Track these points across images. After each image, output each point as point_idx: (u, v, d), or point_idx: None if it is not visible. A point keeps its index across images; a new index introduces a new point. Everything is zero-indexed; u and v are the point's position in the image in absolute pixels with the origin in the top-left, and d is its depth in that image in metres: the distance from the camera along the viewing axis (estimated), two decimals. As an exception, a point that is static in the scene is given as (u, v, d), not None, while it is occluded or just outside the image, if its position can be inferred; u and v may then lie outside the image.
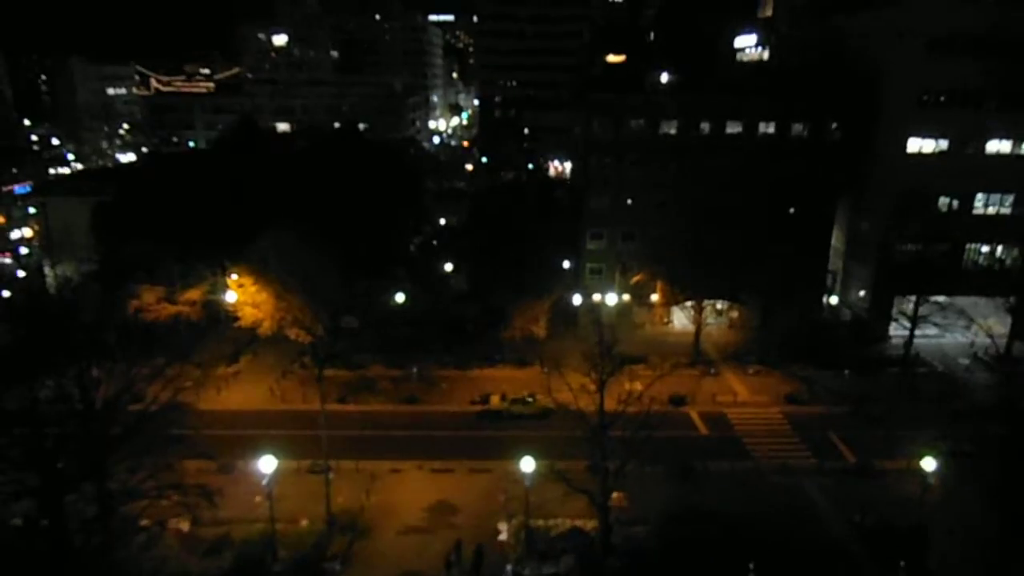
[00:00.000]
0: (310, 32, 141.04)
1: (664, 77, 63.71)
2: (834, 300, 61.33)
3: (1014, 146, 55.58)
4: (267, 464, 31.47)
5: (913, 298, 53.28)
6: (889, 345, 57.60)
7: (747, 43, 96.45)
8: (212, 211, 54.52)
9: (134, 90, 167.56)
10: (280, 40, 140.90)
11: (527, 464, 32.41)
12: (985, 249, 58.57)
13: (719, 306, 61.76)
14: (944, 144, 55.74)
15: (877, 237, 57.98)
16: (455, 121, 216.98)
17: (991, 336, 49.16)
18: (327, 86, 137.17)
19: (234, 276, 50.94)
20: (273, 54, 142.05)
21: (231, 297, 51.71)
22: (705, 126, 57.64)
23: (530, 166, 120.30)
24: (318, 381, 35.83)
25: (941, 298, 55.29)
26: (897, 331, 56.13)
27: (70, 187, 64.90)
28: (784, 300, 55.69)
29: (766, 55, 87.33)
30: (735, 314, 61.46)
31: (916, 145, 56.05)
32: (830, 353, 54.60)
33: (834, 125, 57.29)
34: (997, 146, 55.55)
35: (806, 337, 55.71)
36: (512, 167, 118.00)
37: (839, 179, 59.04)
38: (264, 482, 31.71)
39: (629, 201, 59.21)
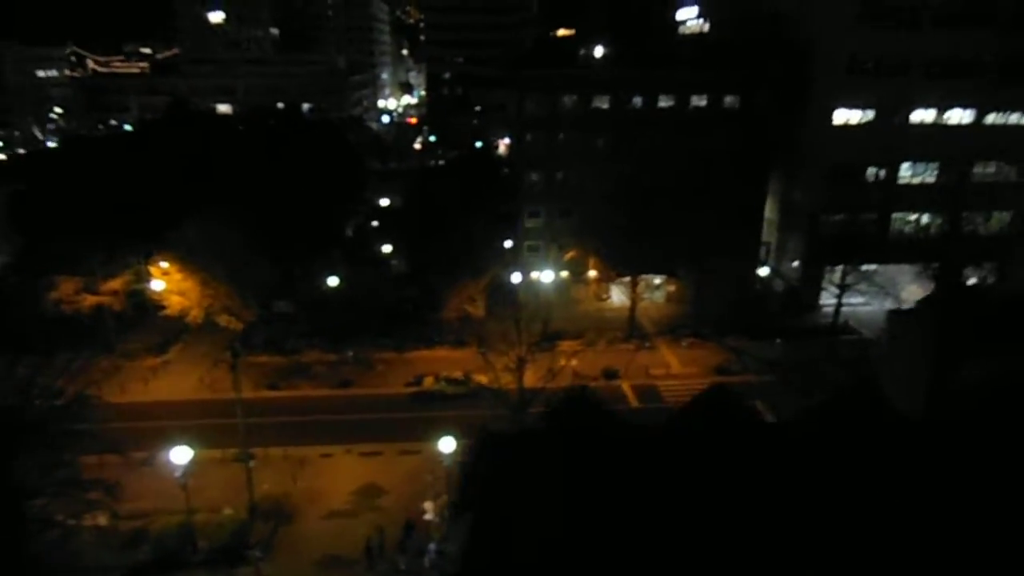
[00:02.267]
0: (248, 9, 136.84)
1: (599, 51, 63.31)
2: (765, 271, 62.23)
3: (938, 115, 56.79)
4: (181, 455, 30.81)
5: (845, 267, 54.67)
6: (820, 314, 58.82)
7: (688, 15, 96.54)
8: (137, 197, 52.82)
9: (67, 72, 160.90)
10: (217, 17, 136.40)
11: (447, 444, 32.36)
12: (912, 218, 60.01)
13: (656, 281, 62.27)
14: (871, 114, 56.65)
15: (808, 208, 58.91)
16: (406, 99, 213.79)
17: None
18: (267, 65, 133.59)
19: (158, 264, 49.59)
20: (211, 32, 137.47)
21: (157, 286, 50.36)
22: (638, 100, 57.59)
23: (479, 144, 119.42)
24: (232, 369, 34.92)
25: (873, 266, 56.84)
26: (829, 300, 57.33)
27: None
28: (718, 272, 56.39)
29: (707, 27, 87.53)
30: (672, 288, 62.06)
31: (844, 116, 56.87)
32: (762, 323, 55.69)
33: (765, 97, 57.67)
34: (922, 115, 56.68)
35: (739, 308, 56.64)
36: (459, 145, 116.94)
37: (771, 151, 59.65)
38: (178, 473, 31.05)
39: (565, 178, 59.10)
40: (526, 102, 57.15)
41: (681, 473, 17.26)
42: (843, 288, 54.25)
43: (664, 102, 57.89)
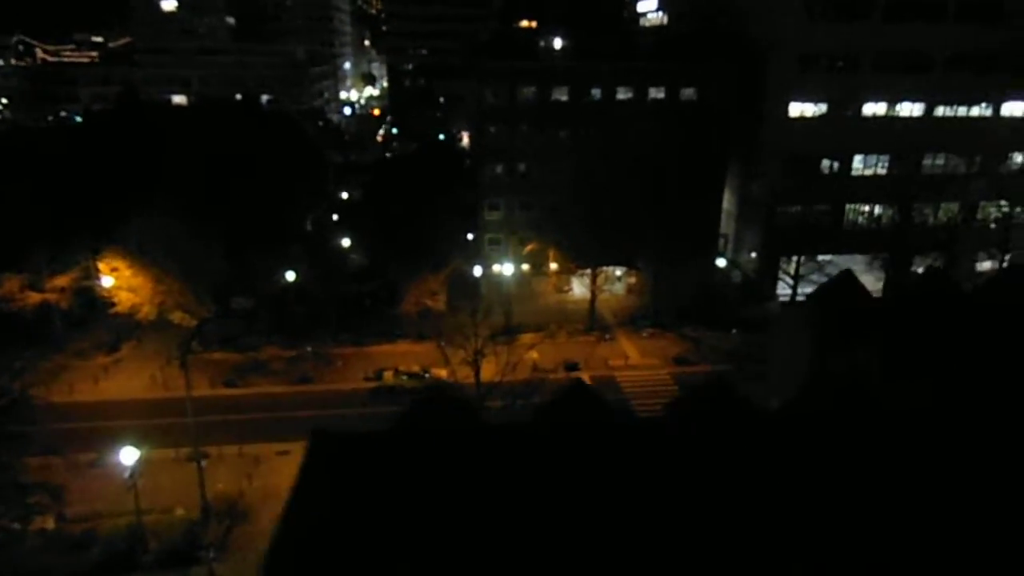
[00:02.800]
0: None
1: (558, 43, 63.14)
2: (722, 262, 63.04)
3: (889, 108, 58.00)
4: (128, 455, 30.05)
5: (802, 257, 55.73)
6: (776, 304, 59.73)
7: (648, 8, 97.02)
8: (84, 191, 51.24)
9: (12, 61, 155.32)
10: (169, 5, 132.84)
11: (405, 440, 32.06)
12: (865, 209, 61.28)
13: (617, 273, 62.62)
14: (824, 107, 57.62)
15: (764, 199, 59.74)
16: (368, 91, 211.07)
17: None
18: (223, 55, 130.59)
19: (107, 260, 48.22)
20: (164, 21, 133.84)
21: (107, 283, 48.99)
22: (596, 92, 57.66)
23: (441, 136, 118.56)
24: (182, 367, 34.04)
25: (828, 257, 57.94)
26: (785, 291, 58.31)
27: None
28: (677, 264, 56.89)
29: (667, 20, 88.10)
30: (632, 280, 62.48)
31: (798, 109, 57.74)
32: (720, 314, 56.43)
33: (721, 90, 58.21)
34: (873, 108, 57.82)
35: (698, 299, 57.30)
36: (422, 137, 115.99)
37: (728, 143, 60.30)
38: (126, 474, 30.29)
39: (525, 170, 58.97)
40: (484, 93, 56.81)
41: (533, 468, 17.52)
42: (798, 278, 55.24)
43: (623, 94, 58.05)
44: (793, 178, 57.59)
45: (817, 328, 24.70)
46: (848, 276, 29.11)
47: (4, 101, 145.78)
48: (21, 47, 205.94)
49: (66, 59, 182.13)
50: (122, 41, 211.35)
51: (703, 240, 61.19)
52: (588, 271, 56.73)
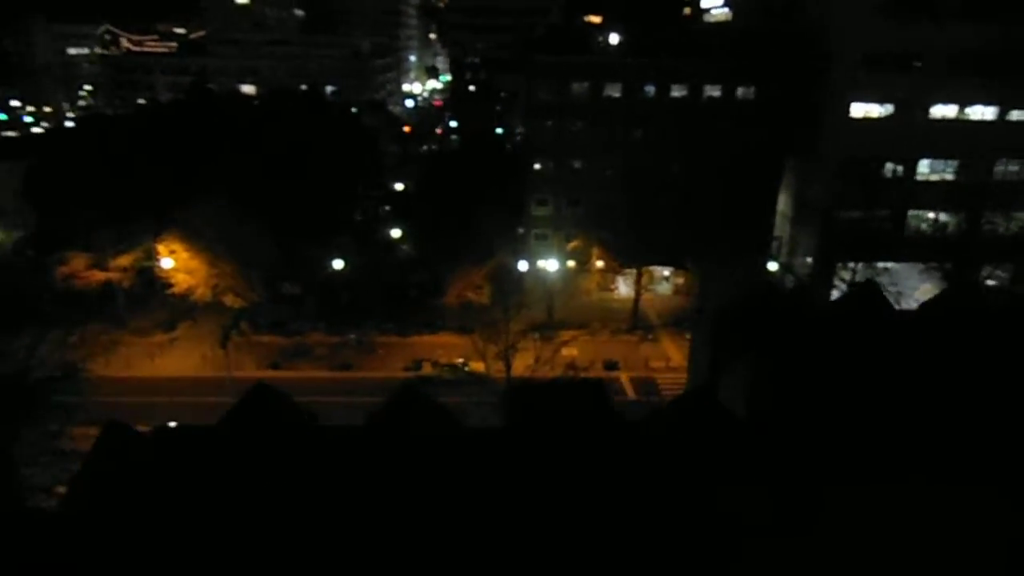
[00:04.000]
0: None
1: (614, 38, 62.47)
2: (774, 266, 61.29)
3: (959, 111, 55.21)
4: (170, 431, 31.30)
5: (856, 265, 53.76)
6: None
7: (713, 3, 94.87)
8: (149, 175, 53.55)
9: (97, 50, 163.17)
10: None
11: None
12: (929, 216, 58.55)
13: (664, 272, 61.75)
14: (889, 108, 55.27)
15: (822, 203, 57.78)
16: (432, 84, 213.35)
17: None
18: (291, 46, 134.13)
19: (167, 242, 50.32)
20: (237, 13, 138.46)
21: (166, 264, 51.15)
22: (650, 89, 56.84)
23: (499, 130, 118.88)
24: (222, 347, 35.48)
25: (889, 264, 55.79)
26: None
27: (2, 151, 63.40)
28: (727, 266, 55.64)
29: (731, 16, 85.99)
30: (680, 280, 61.47)
31: (861, 109, 55.53)
32: (771, 317, 54.83)
33: (780, 88, 56.58)
34: (942, 111, 55.14)
35: (746, 303, 55.80)
36: (479, 131, 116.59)
37: (786, 143, 58.60)
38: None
39: (574, 166, 58.70)
40: (536, 88, 56.72)
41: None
42: (853, 286, 53.19)
43: (677, 91, 57.07)
44: (853, 181, 55.42)
45: (710, 341, 23.92)
46: (765, 287, 27.91)
47: (89, 88, 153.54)
48: (108, 36, 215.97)
49: (147, 49, 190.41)
50: (200, 33, 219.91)
51: (755, 242, 59.66)
52: (633, 270, 56.15)
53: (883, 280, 51.86)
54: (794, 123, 57.69)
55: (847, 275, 54.92)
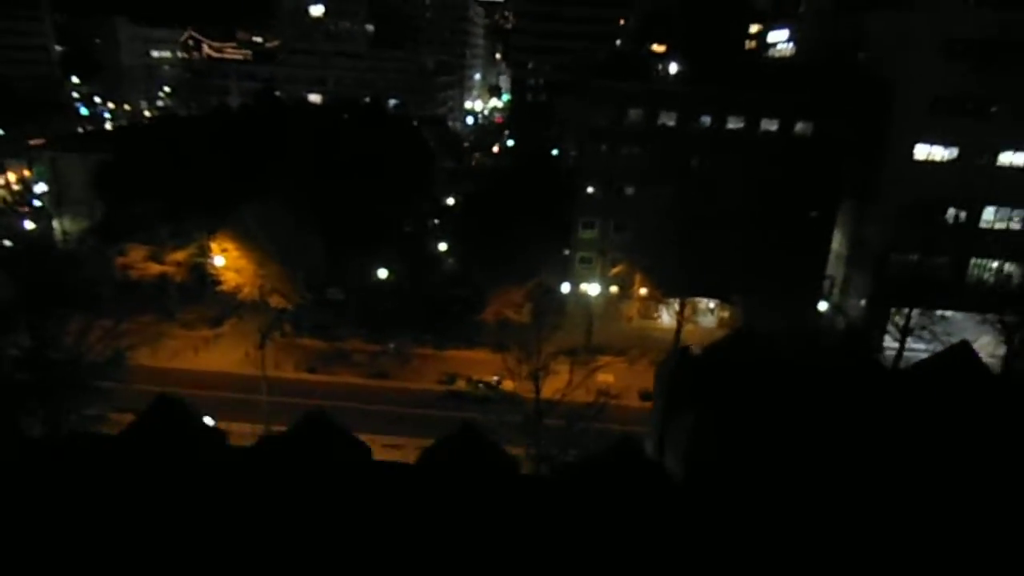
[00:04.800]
0: (347, 4, 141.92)
1: (674, 67, 62.23)
2: (824, 306, 59.54)
3: (1030, 159, 52.99)
4: (203, 424, 32.11)
5: (915, 310, 51.90)
6: (882, 357, 55.77)
7: (779, 38, 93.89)
8: (210, 174, 55.51)
9: (179, 54, 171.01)
10: (317, 11, 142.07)
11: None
12: (993, 265, 56.15)
13: (710, 305, 60.68)
14: (954, 152, 53.43)
15: (879, 244, 56.05)
16: (493, 102, 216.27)
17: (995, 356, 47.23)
18: (359, 59, 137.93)
19: (220, 240, 51.95)
20: (309, 24, 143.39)
21: (217, 261, 52.80)
22: (706, 119, 56.29)
23: (555, 152, 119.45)
24: (260, 348, 36.27)
25: (948, 313, 53.76)
26: (893, 344, 54.35)
27: (78, 144, 66.72)
28: (775, 302, 54.35)
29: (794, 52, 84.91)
30: (725, 314, 60.28)
31: (924, 152, 53.84)
32: (816, 361, 53.19)
33: (840, 125, 55.32)
34: (1010, 158, 53.01)
35: (794, 342, 54.33)
36: (535, 151, 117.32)
37: (843, 182, 57.17)
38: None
39: (623, 191, 58.41)
40: (591, 112, 56.81)
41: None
42: (906, 332, 51.36)
43: (733, 123, 56.34)
44: (913, 224, 53.64)
45: (668, 390, 23.28)
46: (738, 336, 26.60)
47: (168, 89, 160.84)
48: (191, 42, 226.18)
49: (226, 56, 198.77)
50: (276, 42, 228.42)
51: (806, 281, 58.17)
52: (677, 299, 55.32)
53: (939, 329, 50.10)
54: (853, 161, 56.27)
55: (900, 320, 53.01)
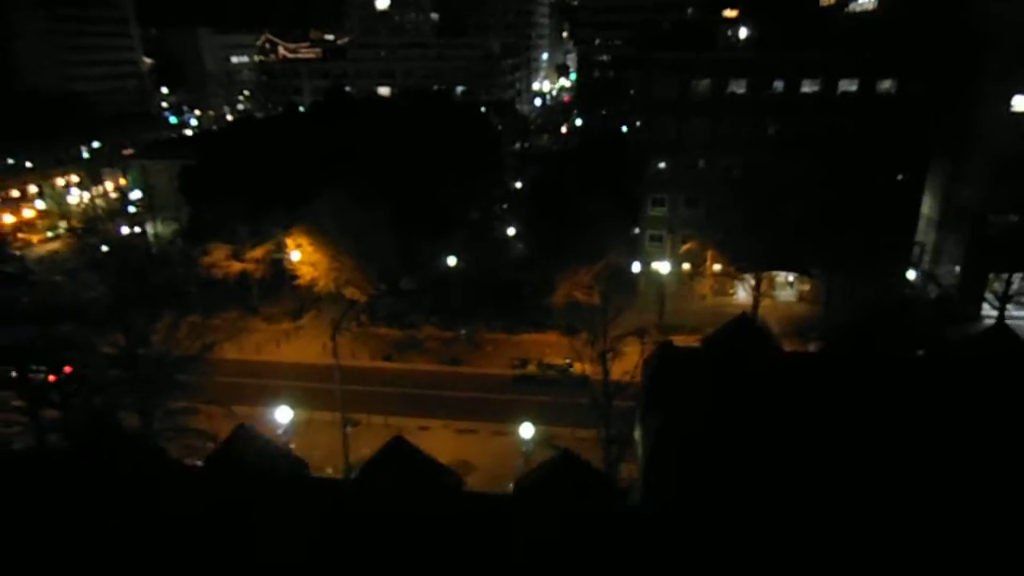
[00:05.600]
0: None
1: (743, 32, 59.76)
2: (912, 275, 56.11)
3: None
4: (283, 414, 33.55)
5: (1016, 275, 48.38)
6: (980, 327, 52.20)
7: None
8: (287, 173, 57.41)
9: (256, 58, 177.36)
10: (383, 4, 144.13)
11: (527, 430, 32.68)
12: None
13: (789, 278, 58.33)
14: (1058, 102, 49.10)
15: (974, 206, 52.36)
16: (562, 82, 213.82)
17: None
18: (424, 49, 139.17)
19: (295, 236, 53.69)
20: (376, 18, 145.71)
21: (294, 256, 54.67)
22: (778, 85, 53.78)
23: (624, 128, 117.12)
24: (332, 339, 37.52)
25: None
26: (992, 312, 50.83)
27: (164, 151, 70.34)
28: (860, 273, 51.71)
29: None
30: (805, 287, 57.83)
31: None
32: (907, 332, 50.35)
33: (927, 81, 51.68)
34: None
35: (881, 313, 51.59)
36: (605, 129, 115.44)
37: (932, 141, 53.52)
38: (279, 431, 33.85)
39: (693, 165, 56.68)
40: (653, 85, 55.31)
41: None
42: (1006, 299, 47.90)
43: (808, 87, 53.59)
44: (1011, 182, 49.81)
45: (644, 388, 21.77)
46: (741, 320, 24.06)
47: (246, 93, 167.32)
48: (268, 45, 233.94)
49: (300, 56, 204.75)
50: (347, 39, 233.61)
51: (894, 248, 54.92)
52: (752, 275, 53.46)
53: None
54: (943, 119, 52.57)
55: (1000, 286, 49.45)
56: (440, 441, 40.87)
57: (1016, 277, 49.36)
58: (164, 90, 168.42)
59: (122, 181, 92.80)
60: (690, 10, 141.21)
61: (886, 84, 52.75)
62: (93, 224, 70.02)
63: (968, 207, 53.10)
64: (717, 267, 56.26)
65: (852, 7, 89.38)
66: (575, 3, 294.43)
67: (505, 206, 75.02)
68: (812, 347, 50.90)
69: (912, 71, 52.13)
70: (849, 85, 53.26)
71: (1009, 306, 48.92)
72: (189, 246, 57.09)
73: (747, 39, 59.81)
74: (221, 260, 53.59)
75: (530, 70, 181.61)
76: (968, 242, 52.80)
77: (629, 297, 58.33)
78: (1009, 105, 49.94)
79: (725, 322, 24.44)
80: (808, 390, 18.75)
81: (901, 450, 16.00)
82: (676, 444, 17.51)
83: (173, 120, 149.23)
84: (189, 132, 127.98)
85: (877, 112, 52.39)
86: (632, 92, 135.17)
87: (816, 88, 53.55)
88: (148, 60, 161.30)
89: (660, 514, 16.15)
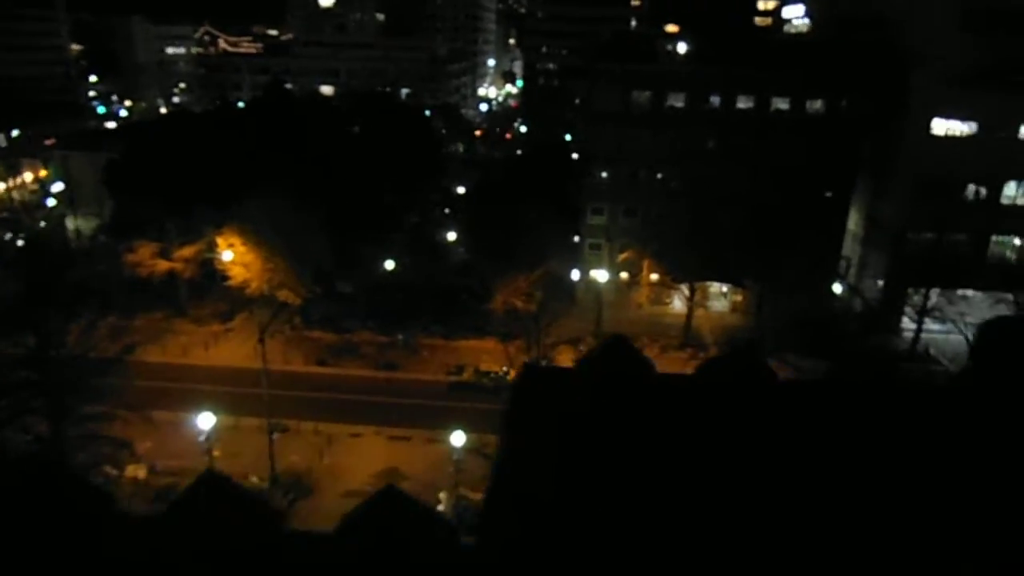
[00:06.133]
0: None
1: (682, 46, 60.99)
2: (838, 288, 58.26)
3: (1053, 132, 51.18)
4: (205, 420, 32.26)
5: (934, 289, 50.76)
6: (900, 339, 54.57)
7: (795, 14, 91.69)
8: (220, 170, 55.47)
9: (194, 50, 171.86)
10: (327, 2, 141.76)
11: (458, 438, 32.31)
12: (1016, 242, 54.54)
13: (723, 289, 59.73)
14: (974, 127, 51.78)
15: (896, 223, 54.67)
16: (508, 88, 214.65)
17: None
18: (370, 49, 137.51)
19: (225, 235, 51.95)
20: (321, 16, 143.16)
21: (225, 256, 52.87)
22: (715, 100, 55.12)
23: (568, 137, 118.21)
24: (260, 342, 36.06)
25: (969, 292, 52.52)
26: (911, 324, 53.12)
27: (87, 143, 67.22)
28: (789, 285, 53.31)
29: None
30: (738, 298, 59.31)
31: (943, 127, 52.27)
32: (831, 343, 52.15)
33: (855, 102, 53.85)
34: (1034, 131, 51.26)
35: (808, 325, 53.30)
36: (549, 136, 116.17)
37: (858, 159, 55.77)
38: (201, 437, 32.55)
39: (632, 176, 57.55)
40: (596, 95, 55.92)
41: None
42: (924, 313, 50.18)
43: (744, 103, 55.11)
44: (930, 202, 52.23)
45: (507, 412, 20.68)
46: (615, 342, 21.65)
47: (182, 85, 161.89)
48: (207, 37, 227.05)
49: (242, 50, 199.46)
50: (290, 35, 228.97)
51: (821, 262, 56.89)
52: (687, 285, 54.53)
53: (959, 309, 48.80)
54: (868, 139, 54.84)
55: (919, 300, 51.76)
56: (372, 448, 40.19)
57: (934, 292, 51.72)
58: (93, 79, 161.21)
59: (42, 172, 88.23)
60: (634, 22, 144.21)
61: (816, 104, 54.70)
62: (8, 217, 66.24)
63: (890, 224, 55.42)
64: (654, 276, 57.19)
65: (788, 28, 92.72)
66: (523, 11, 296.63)
67: (447, 211, 74.51)
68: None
69: (840, 92, 54.27)
70: (782, 103, 55.03)
71: (927, 319, 51.19)
72: (112, 242, 54.57)
73: (686, 54, 61.06)
74: (147, 258, 51.38)
75: (476, 75, 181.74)
76: (889, 258, 55.02)
77: (568, 305, 58.76)
78: (928, 128, 52.34)
79: (601, 343, 23.11)
80: (676, 419, 17.37)
81: (760, 486, 15.57)
82: (517, 480, 16.08)
83: (102, 110, 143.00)
84: (116, 124, 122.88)
85: (808, 130, 54.26)
86: (577, 101, 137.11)
87: (751, 104, 55.11)
88: (77, 47, 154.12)
89: (491, 560, 14.72)
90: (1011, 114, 50.51)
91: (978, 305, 50.55)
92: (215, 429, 33.16)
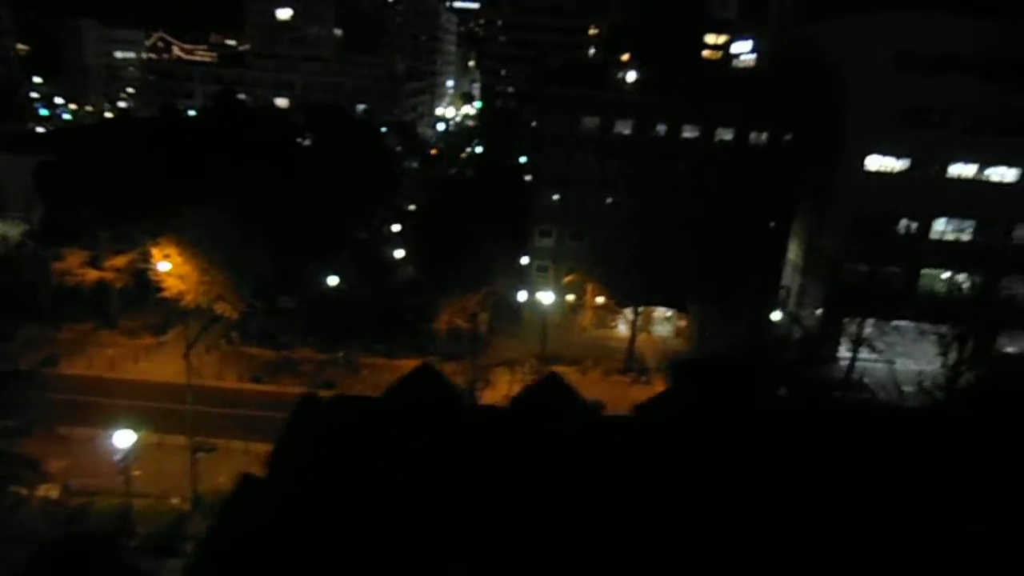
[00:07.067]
0: (315, 8, 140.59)
1: (631, 76, 62.03)
2: (777, 316, 59.49)
3: (979, 171, 53.50)
4: (123, 438, 30.85)
5: (869, 320, 52.07)
6: (836, 368, 55.80)
7: (743, 49, 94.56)
8: (156, 179, 53.93)
9: (144, 55, 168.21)
10: (284, 14, 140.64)
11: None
12: (944, 275, 56.53)
13: (667, 314, 60.40)
14: (905, 164, 53.80)
15: (832, 254, 56.21)
16: (466, 109, 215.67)
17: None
18: (325, 63, 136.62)
19: (163, 246, 50.36)
20: (277, 28, 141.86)
21: (162, 267, 51.22)
22: (661, 128, 56.13)
23: (523, 159, 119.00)
24: (186, 356, 34.88)
25: (903, 323, 54.00)
26: (848, 353, 54.40)
27: (20, 144, 64.77)
28: (730, 312, 54.24)
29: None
30: (682, 323, 60.04)
31: (876, 163, 54.16)
32: (768, 371, 53.09)
33: (794, 136, 55.50)
34: (961, 169, 53.48)
35: (748, 351, 54.19)
36: (503, 158, 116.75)
37: (798, 192, 57.34)
38: (117, 456, 31.12)
39: (579, 200, 58.03)
40: (544, 119, 56.41)
41: None
42: (859, 342, 51.44)
43: (689, 133, 56.26)
44: (864, 234, 53.87)
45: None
46: (419, 372, 21.38)
47: (131, 90, 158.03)
48: (161, 44, 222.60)
49: (197, 58, 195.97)
50: (247, 46, 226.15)
51: (761, 290, 58.15)
52: (632, 308, 54.99)
53: (890, 340, 50.22)
54: (807, 172, 56.47)
55: (855, 330, 53.09)
56: (304, 469, 39.05)
57: (869, 322, 53.10)
58: (37, 80, 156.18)
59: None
60: (592, 51, 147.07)
61: (760, 136, 56.17)
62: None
63: (828, 255, 56.95)
64: (599, 300, 57.52)
65: (736, 63, 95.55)
66: (482, 34, 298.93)
67: (398, 228, 73.88)
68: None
69: (780, 126, 55.87)
70: (726, 133, 56.34)
71: (861, 349, 52.46)
72: (40, 249, 52.37)
73: (634, 82, 62.15)
74: (76, 266, 49.38)
75: (434, 95, 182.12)
76: (827, 288, 56.44)
77: (514, 326, 58.71)
78: (863, 164, 54.18)
79: (406, 375, 21.85)
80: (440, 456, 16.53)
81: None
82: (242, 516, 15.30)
83: (44, 112, 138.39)
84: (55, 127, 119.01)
85: (750, 161, 55.62)
86: (531, 124, 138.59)
87: (696, 134, 56.28)
88: (22, 46, 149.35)
89: None
90: (940, 152, 52.56)
91: (908, 335, 52.12)
92: (136, 447, 31.69)
